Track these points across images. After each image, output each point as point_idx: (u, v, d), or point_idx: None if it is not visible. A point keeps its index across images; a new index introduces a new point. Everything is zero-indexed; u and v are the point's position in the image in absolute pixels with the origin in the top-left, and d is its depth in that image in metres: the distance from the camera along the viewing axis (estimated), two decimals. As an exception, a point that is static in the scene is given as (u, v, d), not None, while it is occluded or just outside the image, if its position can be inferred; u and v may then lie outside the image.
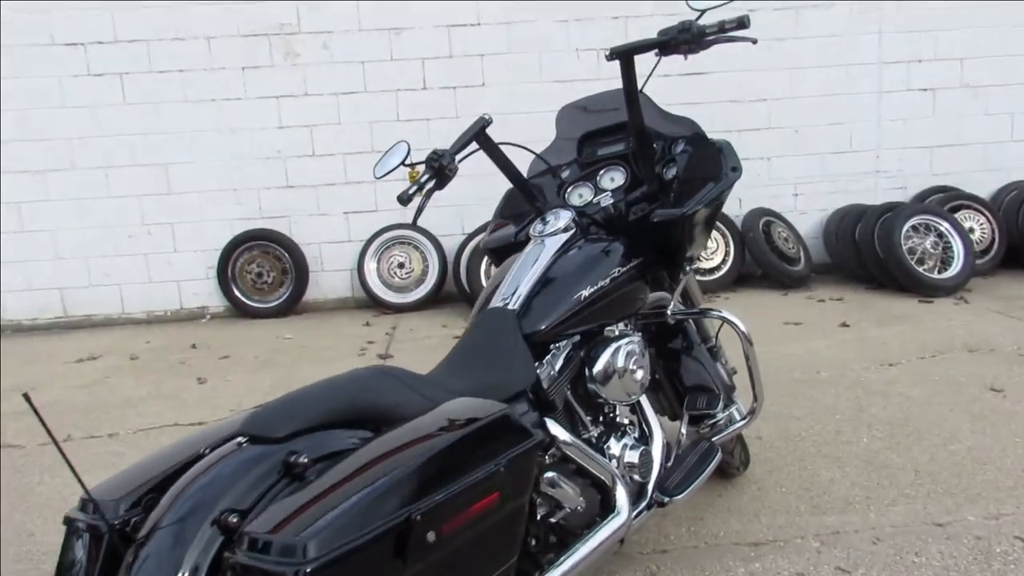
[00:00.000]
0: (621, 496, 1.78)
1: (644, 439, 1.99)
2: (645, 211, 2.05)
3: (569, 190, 2.22)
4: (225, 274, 5.58)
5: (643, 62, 1.97)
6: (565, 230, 1.98)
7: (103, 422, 3.50)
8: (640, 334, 2.04)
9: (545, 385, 1.73)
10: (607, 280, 1.87)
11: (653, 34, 1.92)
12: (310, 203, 5.66)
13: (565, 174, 2.28)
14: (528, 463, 1.32)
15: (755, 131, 5.84)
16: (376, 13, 5.44)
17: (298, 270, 5.60)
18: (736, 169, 2.05)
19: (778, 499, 2.36)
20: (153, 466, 1.32)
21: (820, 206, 5.95)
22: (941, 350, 3.76)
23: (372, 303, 5.63)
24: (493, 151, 2.09)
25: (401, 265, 5.62)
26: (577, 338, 1.85)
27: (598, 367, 1.83)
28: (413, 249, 5.64)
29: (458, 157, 2.02)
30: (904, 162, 5.95)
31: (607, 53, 1.97)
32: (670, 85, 5.57)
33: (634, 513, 1.84)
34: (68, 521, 1.26)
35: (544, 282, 1.85)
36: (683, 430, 2.15)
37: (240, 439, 1.28)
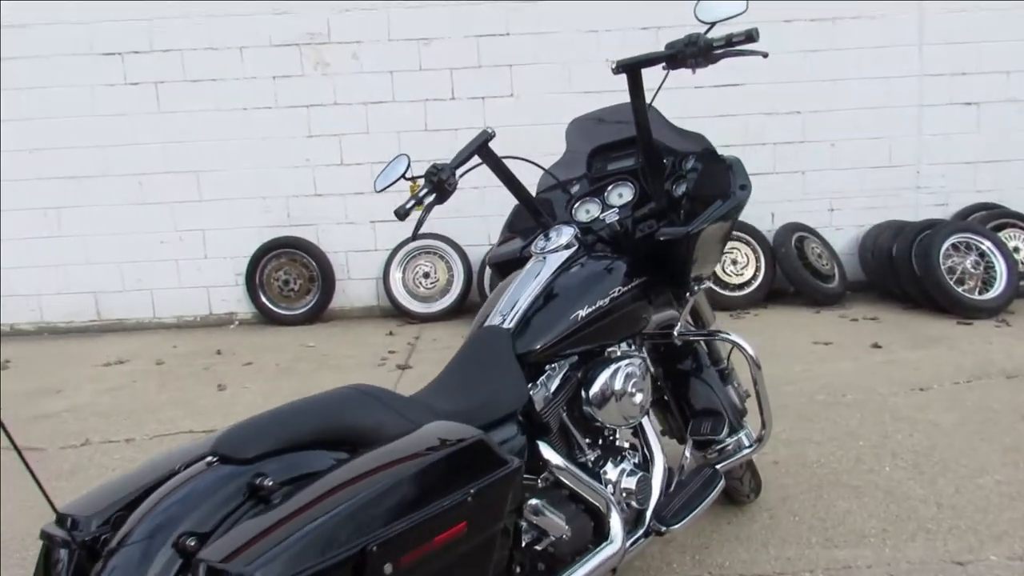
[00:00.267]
0: (615, 523, 1.72)
1: (644, 464, 1.93)
2: (652, 228, 2.00)
3: (576, 205, 2.17)
4: (253, 281, 5.64)
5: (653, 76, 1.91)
6: (567, 247, 1.93)
7: (122, 427, 3.53)
8: (643, 355, 1.98)
9: (538, 407, 1.68)
10: (606, 299, 1.81)
11: None
12: (338, 211, 5.69)
13: (575, 189, 2.23)
14: (501, 492, 1.27)
15: (789, 144, 5.73)
16: (405, 23, 5.46)
17: (324, 278, 5.63)
18: (745, 187, 1.98)
19: (789, 529, 2.27)
20: (128, 483, 1.30)
21: (857, 222, 5.79)
22: (977, 375, 3.60)
23: (397, 312, 5.63)
24: (496, 165, 2.05)
25: (426, 275, 5.61)
26: (575, 358, 1.80)
27: (594, 389, 1.77)
28: (439, 259, 5.63)
29: (459, 171, 1.98)
30: (946, 178, 5.76)
31: (613, 66, 1.92)
32: (702, 97, 5.53)
33: (629, 542, 1.78)
34: (44, 535, 1.25)
35: (541, 300, 1.80)
36: (687, 454, 2.08)
37: (210, 458, 1.26)
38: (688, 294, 2.07)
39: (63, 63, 5.48)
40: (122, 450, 3.26)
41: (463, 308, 5.59)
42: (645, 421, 1.95)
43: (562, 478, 1.68)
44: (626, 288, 1.87)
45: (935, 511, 2.33)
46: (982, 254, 4.95)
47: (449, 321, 5.49)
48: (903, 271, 5.04)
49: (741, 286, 5.40)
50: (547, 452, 1.68)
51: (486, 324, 1.80)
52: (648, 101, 1.97)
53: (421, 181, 1.97)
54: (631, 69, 1.90)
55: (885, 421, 3.07)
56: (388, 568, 1.07)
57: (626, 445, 1.92)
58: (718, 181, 2.00)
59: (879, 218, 5.71)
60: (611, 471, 1.82)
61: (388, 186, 1.99)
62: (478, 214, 5.42)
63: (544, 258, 1.92)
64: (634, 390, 1.82)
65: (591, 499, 1.71)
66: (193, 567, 1.06)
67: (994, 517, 2.28)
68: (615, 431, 1.89)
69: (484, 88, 5.56)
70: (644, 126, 1.96)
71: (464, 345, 1.79)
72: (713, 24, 1.85)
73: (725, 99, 5.59)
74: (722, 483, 1.99)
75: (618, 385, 1.79)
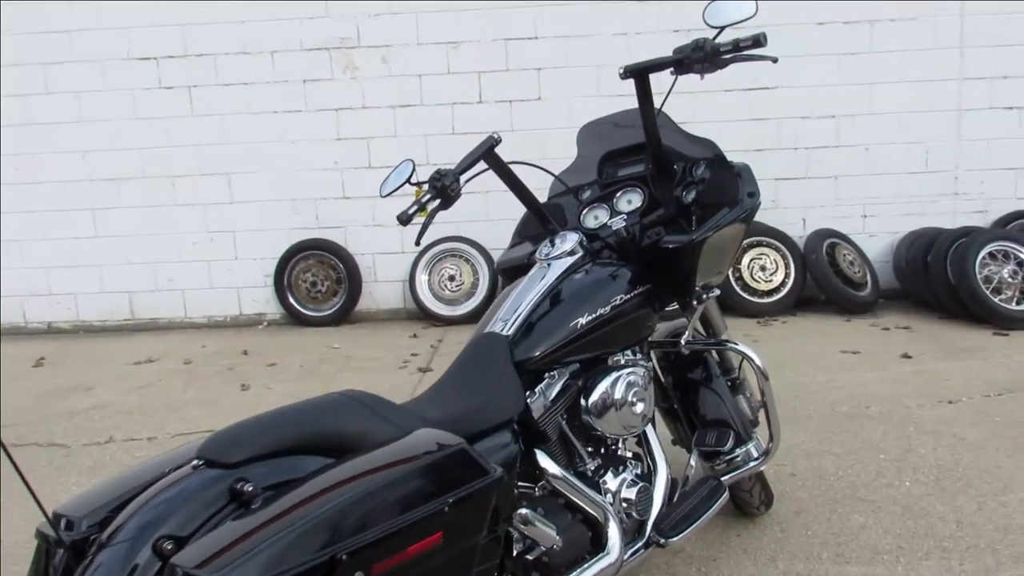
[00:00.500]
0: (613, 534, 1.70)
1: (647, 474, 1.90)
2: (659, 236, 1.97)
3: (585, 212, 2.15)
4: (281, 282, 5.71)
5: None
6: (570, 253, 1.91)
7: (145, 425, 3.60)
8: (648, 364, 1.95)
9: (536, 415, 1.66)
10: (607, 308, 1.79)
11: None
12: (365, 214, 5.73)
13: (586, 195, 2.21)
14: (481, 502, 1.26)
15: (823, 148, 5.62)
16: (434, 27, 5.49)
17: (352, 280, 5.68)
18: (753, 195, 1.94)
19: (800, 543, 2.22)
20: (120, 485, 1.32)
21: (891, 228, 5.66)
22: (1009, 388, 3.49)
23: (423, 315, 5.66)
24: (502, 171, 2.04)
25: (452, 278, 5.62)
26: (576, 366, 1.78)
27: (593, 398, 1.75)
28: (464, 262, 5.63)
29: (464, 177, 1.98)
30: (985, 184, 5.60)
31: (620, 71, 1.90)
32: (733, 99, 5.47)
33: (628, 553, 1.76)
34: (38, 535, 1.27)
35: (542, 307, 1.78)
36: (692, 462, 2.05)
37: (196, 462, 1.27)
38: (696, 302, 2.04)
39: (102, 68, 5.61)
40: (144, 448, 3.31)
41: (488, 311, 5.57)
42: (649, 430, 1.92)
43: (559, 487, 1.67)
44: (628, 296, 1.84)
45: (954, 528, 2.26)
46: (1021, 263, 4.79)
47: (474, 324, 5.46)
48: (937, 279, 4.90)
49: (769, 293, 5.30)
50: (544, 461, 1.67)
51: (486, 330, 1.79)
52: (658, 106, 1.94)
53: (426, 186, 1.97)
54: (638, 74, 1.87)
55: (909, 434, 2.99)
56: (359, 577, 1.07)
57: (629, 455, 1.90)
58: (726, 188, 1.97)
59: (915, 225, 5.57)
60: (611, 481, 1.80)
61: (392, 191, 1.99)
62: (505, 217, 5.37)
63: (548, 265, 1.90)
64: (635, 399, 1.80)
65: (589, 509, 1.70)
66: (168, 571, 1.07)
67: (1015, 537, 2.20)
68: (617, 440, 1.87)
69: (512, 91, 5.55)
70: (652, 131, 1.93)
71: (463, 351, 1.79)
72: (722, 28, 1.82)
73: (758, 102, 5.51)
74: (726, 495, 1.95)
75: (618, 394, 1.77)
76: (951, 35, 5.44)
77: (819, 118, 5.58)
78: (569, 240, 1.94)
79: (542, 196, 2.30)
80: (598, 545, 1.70)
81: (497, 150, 2.00)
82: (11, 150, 5.73)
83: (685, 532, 1.81)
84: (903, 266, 5.33)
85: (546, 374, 1.73)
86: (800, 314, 5.28)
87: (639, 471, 1.89)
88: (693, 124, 5.33)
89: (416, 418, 1.45)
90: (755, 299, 5.28)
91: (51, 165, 5.74)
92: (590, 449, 1.81)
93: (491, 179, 2.02)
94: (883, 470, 2.68)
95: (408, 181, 1.99)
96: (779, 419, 2.11)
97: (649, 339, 2.04)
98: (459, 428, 1.45)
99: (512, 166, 2.04)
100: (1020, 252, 4.81)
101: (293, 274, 5.72)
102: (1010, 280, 4.75)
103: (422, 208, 1.92)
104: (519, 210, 2.19)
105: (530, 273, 1.92)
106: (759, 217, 5.55)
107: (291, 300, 5.72)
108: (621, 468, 1.85)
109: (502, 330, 1.75)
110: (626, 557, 1.74)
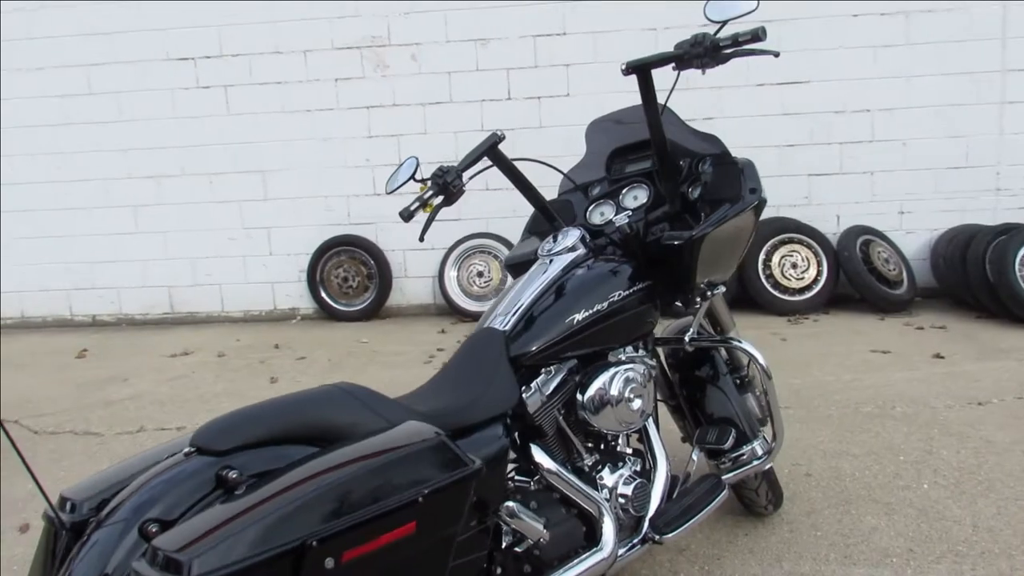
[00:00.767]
0: (607, 529, 1.71)
1: (646, 471, 1.90)
2: (662, 232, 1.96)
3: (592, 208, 2.15)
4: (314, 278, 5.81)
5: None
6: (572, 249, 1.92)
7: (176, 416, 3.71)
8: (651, 360, 1.95)
9: (531, 410, 1.68)
10: (604, 304, 1.79)
11: None
12: (396, 211, 5.76)
13: (595, 191, 2.22)
14: (458, 494, 1.28)
15: (857, 143, 5.51)
16: (463, 24, 5.52)
17: (382, 276, 5.75)
18: (755, 191, 1.92)
19: (808, 544, 2.19)
20: (121, 470, 1.37)
21: (930, 225, 5.52)
22: (1043, 390, 3.39)
23: (452, 310, 5.70)
24: (507, 168, 2.06)
25: (480, 274, 5.66)
26: (574, 362, 1.79)
27: (589, 394, 1.76)
28: (492, 259, 5.66)
29: (467, 174, 2.00)
30: (1029, 180, 5.43)
31: (622, 67, 1.90)
32: (765, 95, 5.39)
33: (623, 548, 1.76)
34: (45, 517, 1.33)
35: (540, 303, 1.79)
36: (693, 456, 2.04)
37: (188, 449, 1.31)
38: (699, 299, 2.03)
39: (141, 68, 5.77)
40: (172, 437, 3.41)
41: (516, 308, 5.60)
42: (650, 426, 1.92)
43: (553, 482, 1.68)
44: (628, 292, 1.85)
45: (969, 532, 2.21)
46: (1064, 261, 4.64)
47: (502, 320, 5.50)
48: (976, 278, 4.77)
49: (801, 290, 5.22)
50: (539, 455, 1.68)
51: (485, 325, 1.81)
52: (663, 102, 1.94)
53: (429, 183, 1.99)
54: (640, 70, 1.87)
55: (932, 436, 2.93)
56: (329, 563, 1.10)
57: (628, 451, 1.90)
58: (729, 184, 1.95)
59: (954, 222, 5.43)
60: (608, 476, 1.81)
61: (397, 188, 2.03)
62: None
63: (549, 260, 1.92)
64: (632, 396, 1.80)
65: (583, 504, 1.71)
66: (149, 552, 1.11)
67: (1033, 542, 2.15)
68: (616, 436, 1.87)
69: (541, 88, 5.56)
70: (656, 127, 1.93)
71: (461, 346, 1.81)
72: (723, 23, 1.81)
73: (791, 97, 5.42)
74: (724, 493, 1.94)
75: (615, 390, 1.77)
76: (992, 25, 5.28)
77: (854, 112, 5.47)
78: (571, 236, 1.95)
79: (553, 193, 2.31)
80: (592, 540, 1.71)
81: (502, 147, 2.03)
82: (49, 149, 5.92)
83: (681, 528, 1.80)
84: (941, 264, 5.20)
85: (543, 369, 1.75)
86: (833, 312, 5.18)
87: (638, 467, 1.89)
88: (722, 119, 5.36)
89: (406, 411, 1.48)
90: (786, 297, 5.21)
91: (94, 163, 5.92)
92: (588, 445, 1.82)
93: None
94: (901, 472, 2.63)
95: (412, 178, 2.02)
96: (783, 419, 2.09)
97: (655, 335, 2.04)
98: (448, 421, 1.48)
99: (518, 163, 2.06)
100: (1063, 250, 4.65)
101: (325, 269, 5.82)
102: (1052, 279, 4.60)
103: (424, 204, 1.95)
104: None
105: (531, 269, 1.93)
106: (790, 213, 5.55)
107: (323, 295, 5.82)
108: (619, 464, 1.85)
109: (500, 325, 1.76)
110: (620, 552, 1.74)
